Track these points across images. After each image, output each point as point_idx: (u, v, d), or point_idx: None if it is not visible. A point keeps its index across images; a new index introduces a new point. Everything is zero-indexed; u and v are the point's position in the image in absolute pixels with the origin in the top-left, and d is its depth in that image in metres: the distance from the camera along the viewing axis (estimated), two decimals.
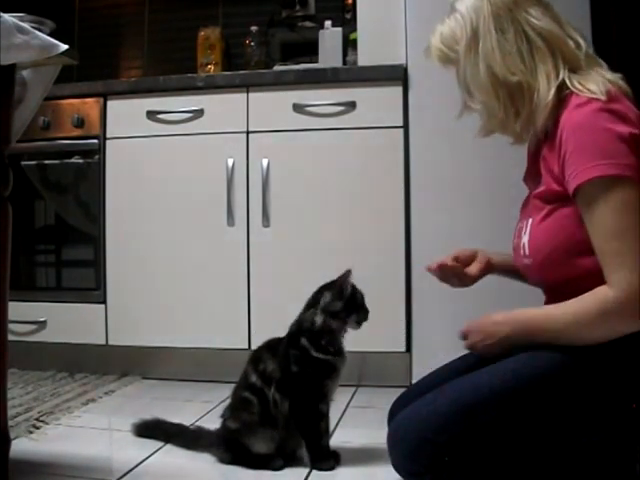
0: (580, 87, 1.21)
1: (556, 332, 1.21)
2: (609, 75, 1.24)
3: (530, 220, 1.31)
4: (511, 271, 1.50)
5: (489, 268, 1.53)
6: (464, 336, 1.34)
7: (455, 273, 1.51)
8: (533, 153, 1.37)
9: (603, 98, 1.17)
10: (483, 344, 1.30)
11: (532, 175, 1.37)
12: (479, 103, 1.32)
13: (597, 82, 1.20)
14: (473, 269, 1.51)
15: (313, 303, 1.56)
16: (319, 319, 1.53)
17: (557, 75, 1.24)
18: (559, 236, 1.23)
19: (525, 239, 1.31)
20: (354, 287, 1.55)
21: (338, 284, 1.54)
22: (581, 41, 1.28)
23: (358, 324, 1.54)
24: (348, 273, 1.53)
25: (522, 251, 1.33)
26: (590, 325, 1.17)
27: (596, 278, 1.17)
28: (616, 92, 1.20)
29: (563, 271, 1.23)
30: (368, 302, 1.56)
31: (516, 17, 1.27)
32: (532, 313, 1.28)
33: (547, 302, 1.37)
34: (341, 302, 1.52)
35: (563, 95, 1.24)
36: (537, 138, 1.31)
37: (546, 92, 1.24)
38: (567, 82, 1.23)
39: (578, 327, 1.18)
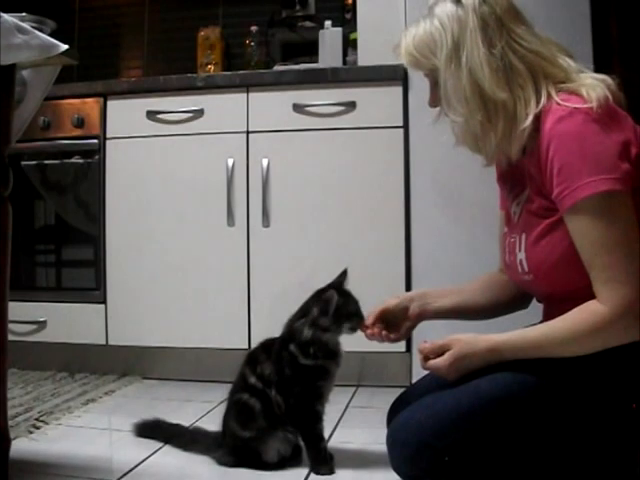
0: (565, 96, 1.17)
1: (544, 353, 1.18)
2: (597, 80, 1.19)
3: (524, 236, 1.28)
4: (455, 313, 1.48)
5: (421, 318, 1.48)
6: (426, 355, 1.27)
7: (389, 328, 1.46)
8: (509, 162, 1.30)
9: (589, 106, 1.13)
10: (451, 366, 1.23)
11: (513, 181, 1.34)
12: (460, 116, 1.26)
13: (586, 88, 1.17)
14: (404, 328, 1.47)
15: (305, 311, 1.52)
16: (308, 332, 1.48)
17: (538, 102, 1.20)
18: (560, 252, 1.20)
19: (522, 256, 1.28)
20: (349, 294, 1.51)
21: (323, 300, 1.48)
22: (566, 57, 1.25)
23: (352, 330, 1.49)
24: (337, 286, 1.50)
25: (520, 268, 1.30)
26: (581, 342, 1.15)
27: None
28: (605, 98, 1.15)
29: (568, 282, 1.21)
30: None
31: (503, 34, 1.22)
32: (514, 337, 1.21)
33: (546, 310, 1.36)
34: (327, 318, 1.47)
35: (543, 109, 1.19)
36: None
37: (523, 119, 1.20)
38: (552, 95, 1.19)
39: (567, 347, 1.16)
